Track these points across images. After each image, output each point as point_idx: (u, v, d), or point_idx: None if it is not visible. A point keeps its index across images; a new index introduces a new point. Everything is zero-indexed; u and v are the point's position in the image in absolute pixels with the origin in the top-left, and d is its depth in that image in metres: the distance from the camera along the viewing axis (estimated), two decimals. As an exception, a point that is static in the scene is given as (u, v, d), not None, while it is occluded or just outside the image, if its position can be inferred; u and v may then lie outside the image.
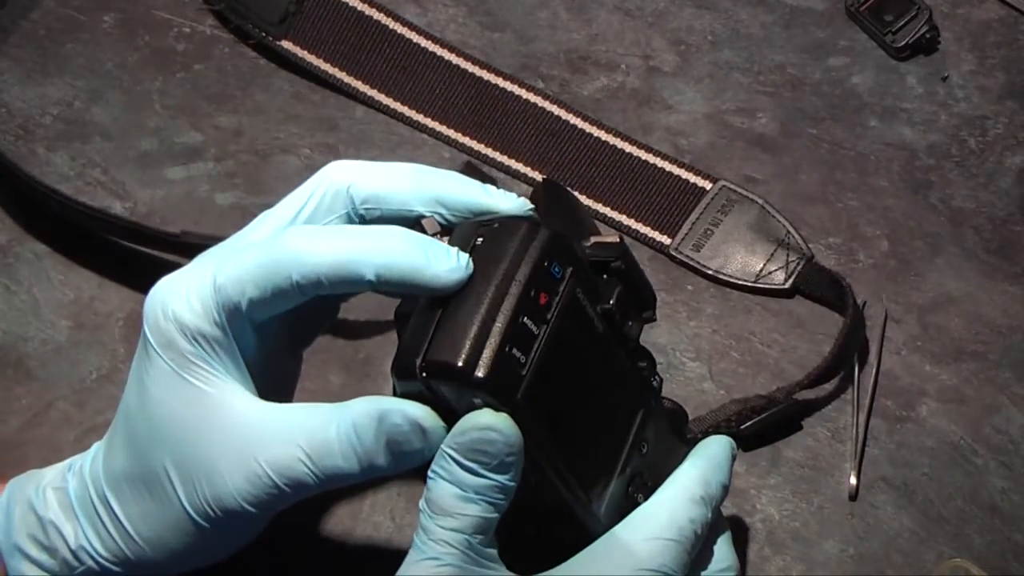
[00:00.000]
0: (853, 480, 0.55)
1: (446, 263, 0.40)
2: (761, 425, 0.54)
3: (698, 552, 0.45)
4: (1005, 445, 0.56)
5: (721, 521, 0.47)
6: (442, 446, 0.40)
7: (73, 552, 0.43)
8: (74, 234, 0.59)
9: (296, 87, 0.65)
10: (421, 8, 0.67)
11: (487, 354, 0.39)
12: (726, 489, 0.47)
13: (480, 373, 0.39)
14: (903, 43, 0.67)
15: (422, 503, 0.41)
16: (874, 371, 0.58)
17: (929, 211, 0.63)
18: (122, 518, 0.42)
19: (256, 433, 0.41)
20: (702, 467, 0.46)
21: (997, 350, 0.59)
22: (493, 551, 0.41)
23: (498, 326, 0.39)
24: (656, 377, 0.47)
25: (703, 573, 0.46)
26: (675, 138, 0.64)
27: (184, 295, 0.41)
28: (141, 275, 0.52)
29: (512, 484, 0.41)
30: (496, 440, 0.39)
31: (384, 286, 0.41)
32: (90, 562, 0.43)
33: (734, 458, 0.48)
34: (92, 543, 0.43)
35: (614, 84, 0.66)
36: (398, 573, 0.41)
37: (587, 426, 0.43)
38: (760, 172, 0.63)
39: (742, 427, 0.54)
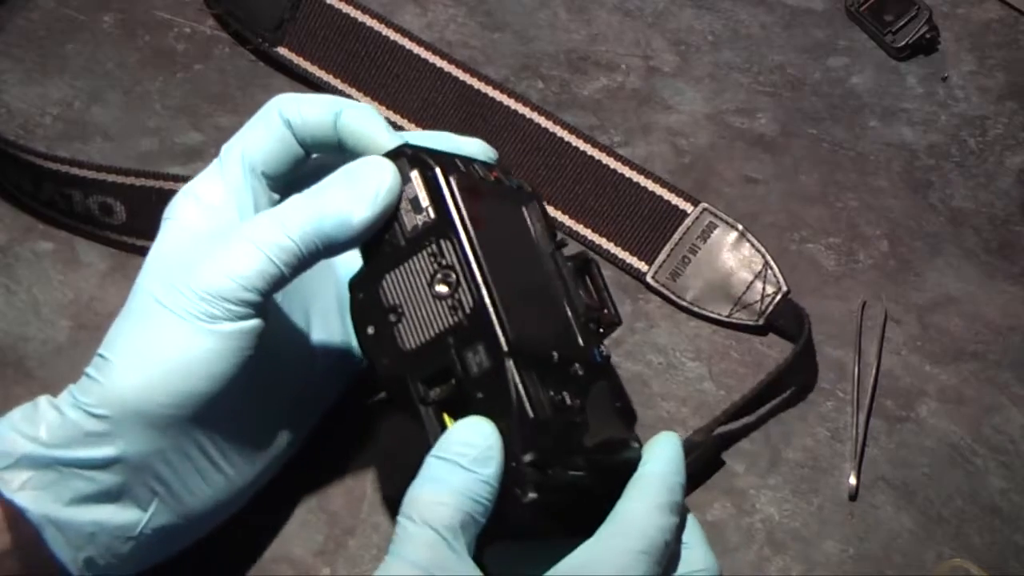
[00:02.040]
0: (853, 480, 0.55)
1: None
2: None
3: (669, 557, 0.45)
4: (1005, 445, 0.56)
5: (689, 521, 0.47)
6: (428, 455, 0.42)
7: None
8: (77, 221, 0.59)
9: (296, 87, 0.65)
10: (421, 8, 0.67)
11: None
12: (684, 487, 0.46)
13: None
14: (903, 43, 0.67)
15: (402, 505, 0.41)
16: (874, 371, 0.58)
17: (929, 211, 0.63)
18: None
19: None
20: (661, 471, 0.45)
21: (997, 350, 0.59)
22: (469, 560, 0.41)
23: None
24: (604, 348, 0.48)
25: (680, 573, 0.45)
26: (675, 138, 0.64)
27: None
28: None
29: (492, 484, 0.41)
30: (476, 436, 0.41)
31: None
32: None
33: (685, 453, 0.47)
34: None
35: (614, 84, 0.66)
36: (374, 574, 0.41)
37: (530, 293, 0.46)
38: (760, 172, 0.63)
39: None
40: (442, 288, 0.44)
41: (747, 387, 0.57)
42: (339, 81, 0.64)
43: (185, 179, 0.57)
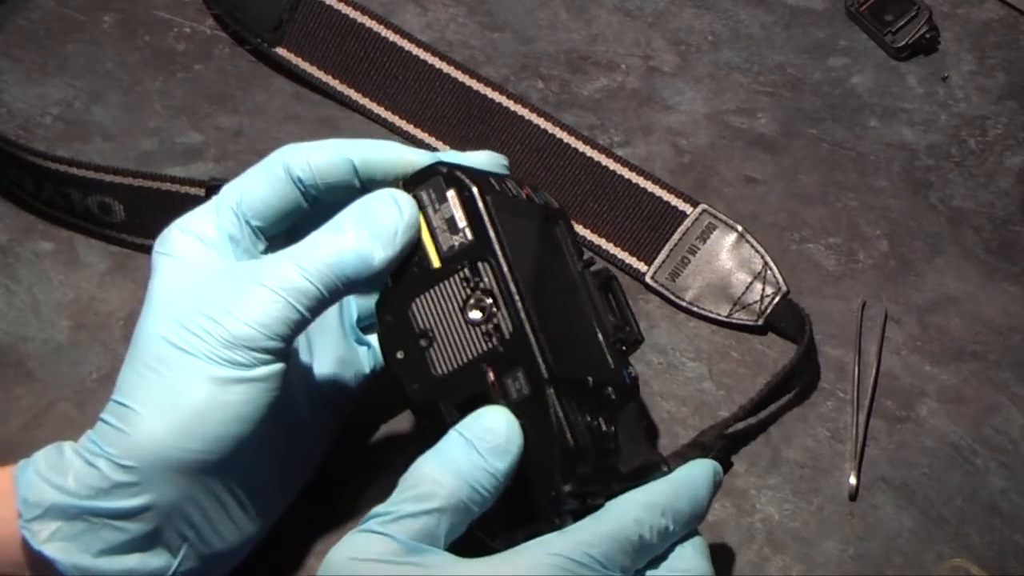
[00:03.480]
0: (853, 480, 0.55)
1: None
2: None
3: (651, 557, 0.44)
4: (1005, 445, 0.56)
5: (695, 540, 0.45)
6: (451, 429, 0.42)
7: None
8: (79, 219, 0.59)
9: (296, 87, 0.65)
10: (421, 8, 0.67)
11: None
12: (700, 514, 0.45)
13: None
14: (903, 43, 0.67)
15: (409, 469, 0.42)
16: (874, 371, 0.58)
17: (929, 211, 0.63)
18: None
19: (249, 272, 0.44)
20: (674, 481, 0.45)
21: (997, 350, 0.59)
22: (439, 548, 0.41)
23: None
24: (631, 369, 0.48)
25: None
26: (675, 138, 0.64)
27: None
28: (141, 275, 0.52)
29: (499, 479, 0.41)
30: (502, 425, 0.41)
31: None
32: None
33: (718, 484, 0.46)
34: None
35: (614, 84, 0.66)
36: (345, 537, 0.41)
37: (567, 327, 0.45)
38: (760, 172, 0.63)
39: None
40: (476, 314, 0.43)
41: (747, 387, 0.57)
42: (337, 82, 0.64)
43: (183, 180, 0.57)
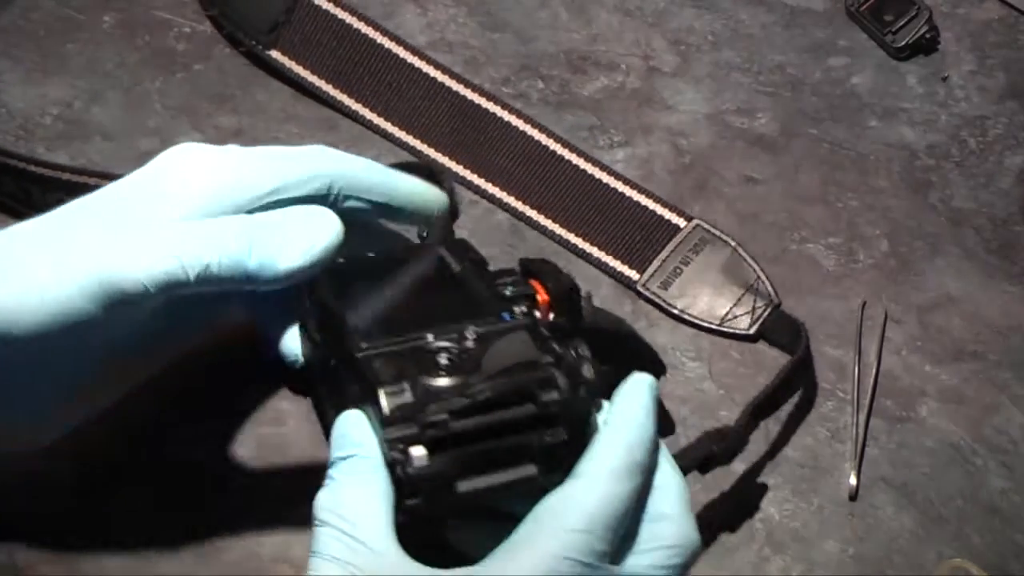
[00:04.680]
0: (853, 480, 0.55)
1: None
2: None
3: (633, 523, 0.41)
4: (1005, 445, 0.56)
5: (670, 484, 0.42)
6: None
7: None
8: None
9: (290, 90, 0.65)
10: (421, 8, 0.67)
11: None
12: (654, 441, 0.42)
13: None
14: (903, 43, 0.67)
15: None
16: (874, 371, 0.58)
17: (929, 211, 0.63)
18: None
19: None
20: (617, 426, 0.41)
21: (997, 350, 0.59)
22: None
23: None
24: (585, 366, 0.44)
25: (643, 548, 0.41)
26: (675, 138, 0.64)
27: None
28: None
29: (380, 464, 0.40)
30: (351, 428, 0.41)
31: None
32: None
33: (657, 400, 0.43)
34: None
35: (614, 84, 0.66)
36: None
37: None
38: (760, 172, 0.63)
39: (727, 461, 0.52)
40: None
41: (747, 387, 0.57)
42: (331, 87, 0.64)
43: None
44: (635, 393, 0.43)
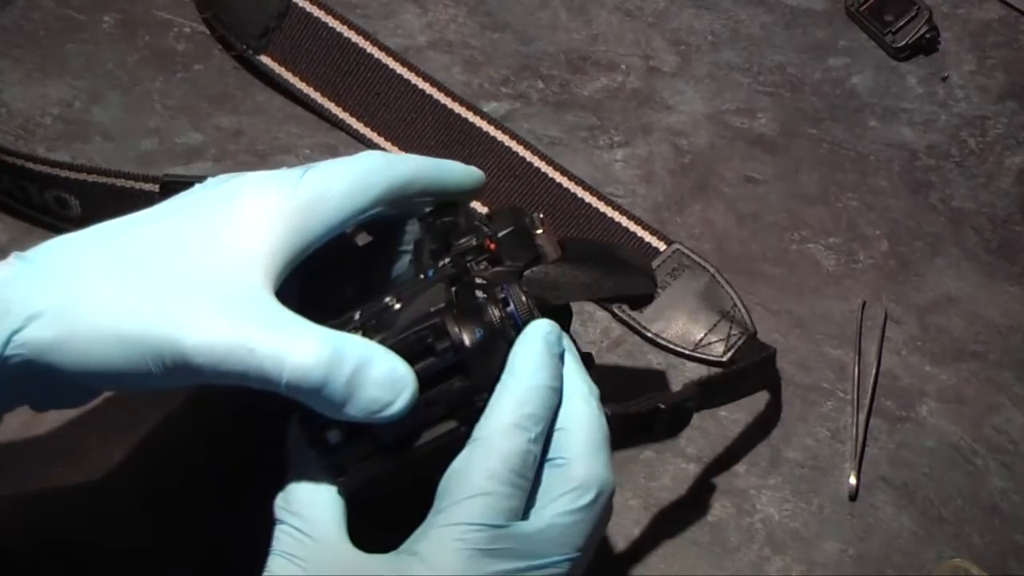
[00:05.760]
0: (853, 480, 0.55)
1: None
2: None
3: (539, 473, 0.40)
4: (1005, 445, 0.56)
5: (578, 427, 0.41)
6: None
7: None
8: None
9: (282, 96, 0.65)
10: (421, 8, 0.67)
11: None
12: (551, 388, 0.41)
13: None
14: (903, 43, 0.67)
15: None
16: (874, 371, 0.58)
17: (929, 211, 0.63)
18: None
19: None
20: (506, 385, 0.40)
21: (997, 350, 0.59)
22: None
23: None
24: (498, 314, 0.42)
25: (549, 497, 0.40)
26: (675, 138, 0.64)
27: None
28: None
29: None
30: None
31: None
32: None
33: (557, 342, 0.42)
34: None
35: (614, 84, 0.66)
36: None
37: None
38: (760, 172, 0.64)
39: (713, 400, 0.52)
40: None
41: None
42: (319, 95, 0.64)
43: (138, 176, 0.57)
44: (526, 343, 0.41)
